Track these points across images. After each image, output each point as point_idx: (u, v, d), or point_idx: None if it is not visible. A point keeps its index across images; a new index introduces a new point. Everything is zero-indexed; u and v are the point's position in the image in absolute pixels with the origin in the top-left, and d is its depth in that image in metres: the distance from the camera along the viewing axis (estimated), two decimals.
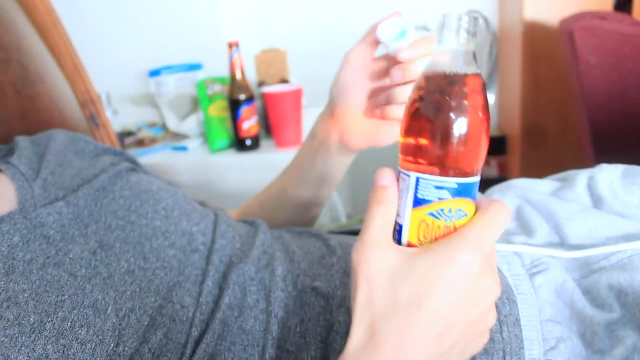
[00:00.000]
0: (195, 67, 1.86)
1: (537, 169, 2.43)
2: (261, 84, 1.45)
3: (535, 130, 2.41)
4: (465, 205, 0.36)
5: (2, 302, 0.41)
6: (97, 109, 0.99)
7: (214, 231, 0.61)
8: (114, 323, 0.44)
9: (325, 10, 2.18)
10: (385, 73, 0.59)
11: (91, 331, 0.42)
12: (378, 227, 0.36)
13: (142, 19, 1.96)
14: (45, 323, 0.41)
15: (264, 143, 1.43)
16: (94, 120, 0.99)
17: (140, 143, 1.66)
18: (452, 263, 0.33)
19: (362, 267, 0.35)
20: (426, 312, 0.33)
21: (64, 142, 0.63)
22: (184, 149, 1.53)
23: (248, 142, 1.36)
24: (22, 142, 0.60)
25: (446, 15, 0.36)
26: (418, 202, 0.37)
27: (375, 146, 0.61)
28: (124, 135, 1.69)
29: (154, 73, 1.81)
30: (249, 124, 1.33)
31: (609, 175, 0.65)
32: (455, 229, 0.36)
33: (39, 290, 0.43)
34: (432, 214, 0.36)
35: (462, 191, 0.36)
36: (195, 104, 1.68)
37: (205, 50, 1.92)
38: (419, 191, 0.37)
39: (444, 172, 0.36)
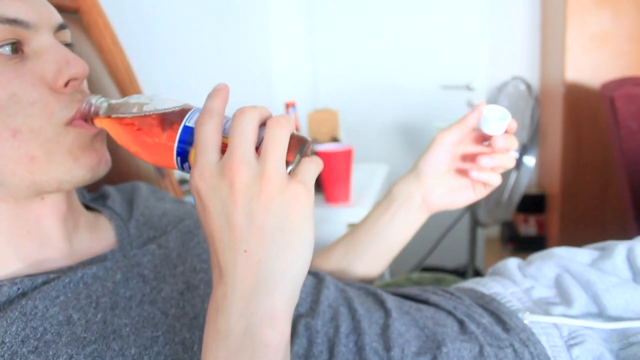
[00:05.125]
0: None
1: (576, 229, 2.42)
2: (313, 141, 1.53)
3: (576, 190, 2.41)
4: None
5: (109, 334, 0.45)
6: None
7: None
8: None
9: (370, 74, 2.30)
10: (469, 143, 0.70)
11: None
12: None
13: (202, 78, 2.10)
14: (144, 355, 0.45)
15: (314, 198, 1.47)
16: (160, 170, 1.08)
17: None
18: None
19: None
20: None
21: (147, 191, 0.71)
22: None
23: None
24: (111, 190, 0.68)
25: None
26: None
27: (450, 208, 0.72)
28: (180, 183, 1.79)
29: None
30: None
31: None
32: None
33: (137, 325, 0.47)
34: None
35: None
36: None
37: None
38: None
39: None
